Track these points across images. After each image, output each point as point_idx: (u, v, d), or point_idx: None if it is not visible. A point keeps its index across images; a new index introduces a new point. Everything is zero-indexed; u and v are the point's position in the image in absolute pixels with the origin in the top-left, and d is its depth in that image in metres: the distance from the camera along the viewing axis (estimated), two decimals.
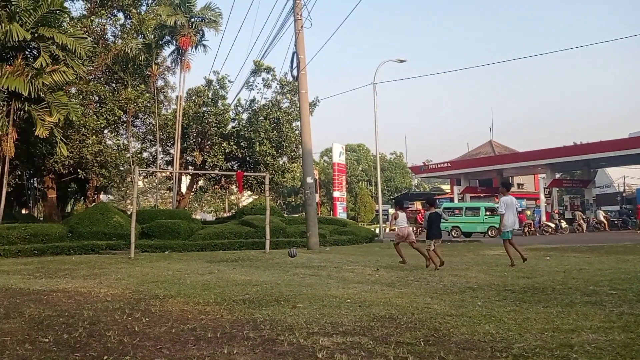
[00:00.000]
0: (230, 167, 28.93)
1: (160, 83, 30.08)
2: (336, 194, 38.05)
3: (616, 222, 34.71)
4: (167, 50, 28.35)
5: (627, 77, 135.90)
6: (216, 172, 27.80)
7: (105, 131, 25.30)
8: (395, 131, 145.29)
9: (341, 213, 37.13)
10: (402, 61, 29.65)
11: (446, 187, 62.75)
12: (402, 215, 11.92)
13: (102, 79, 25.83)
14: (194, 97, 28.78)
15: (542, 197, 39.74)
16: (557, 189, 42.80)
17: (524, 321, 5.12)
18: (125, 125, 27.03)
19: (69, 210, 35.42)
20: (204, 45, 27.88)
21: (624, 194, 48.37)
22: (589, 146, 37.44)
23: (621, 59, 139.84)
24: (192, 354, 4.12)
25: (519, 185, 54.66)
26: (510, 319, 5.26)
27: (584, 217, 33.82)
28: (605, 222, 32.80)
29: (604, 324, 4.88)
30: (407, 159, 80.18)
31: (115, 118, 24.08)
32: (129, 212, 23.98)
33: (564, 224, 31.72)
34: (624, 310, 5.53)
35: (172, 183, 29.79)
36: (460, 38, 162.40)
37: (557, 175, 42.61)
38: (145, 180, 46.52)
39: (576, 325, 4.85)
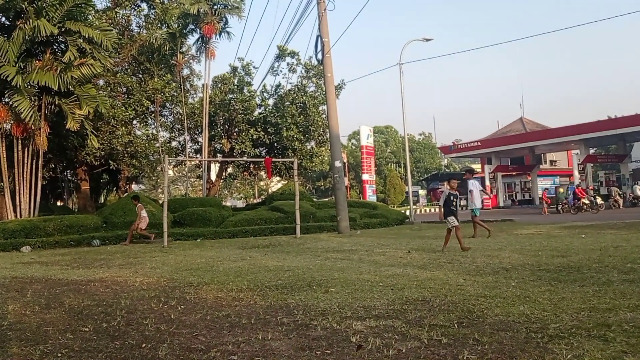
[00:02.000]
0: (258, 153, 29.10)
1: (185, 72, 30.31)
2: (365, 176, 37.97)
3: None
4: (191, 39, 28.55)
5: None
6: (244, 158, 28.01)
7: (134, 122, 25.64)
8: (423, 112, 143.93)
9: (371, 196, 37.08)
10: (428, 40, 29.17)
11: (477, 167, 61.93)
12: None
13: (128, 70, 26.14)
14: (219, 85, 28.91)
15: (576, 173, 38.95)
16: (592, 164, 41.86)
17: (560, 301, 5.04)
18: (153, 115, 27.37)
19: (102, 201, 36.19)
20: (228, 32, 27.96)
21: None
22: (623, 120, 36.45)
23: None
24: (228, 340, 4.18)
25: (551, 162, 53.67)
26: (545, 299, 5.18)
27: (620, 192, 33.02)
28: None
29: None
30: (436, 139, 79.46)
31: (143, 108, 24.38)
32: (160, 201, 24.36)
33: (599, 201, 31.03)
34: None
35: (202, 171, 30.12)
36: (488, 15, 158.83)
37: (591, 151, 41.67)
38: (175, 169, 47.11)
39: (613, 304, 4.75)
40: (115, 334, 4.54)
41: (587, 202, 29.38)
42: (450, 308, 4.99)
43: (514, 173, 48.93)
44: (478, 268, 7.69)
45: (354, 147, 65.92)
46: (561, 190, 31.78)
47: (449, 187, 11.05)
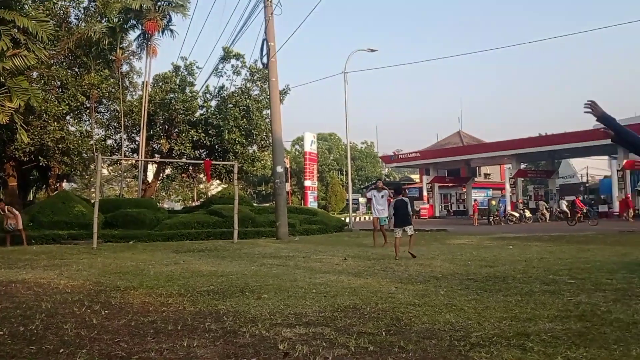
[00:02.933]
0: (198, 155, 28.59)
1: (125, 68, 29.45)
2: (307, 183, 38.09)
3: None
4: (132, 35, 27.76)
5: (595, 68, 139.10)
6: (183, 160, 27.46)
7: (68, 117, 24.63)
8: (366, 121, 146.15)
9: (312, 202, 37.21)
10: (372, 50, 29.70)
11: (415, 177, 63.38)
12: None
13: (64, 63, 25.13)
14: (160, 84, 28.24)
15: (508, 187, 40.53)
16: (522, 179, 43.69)
17: (484, 310, 5.20)
18: (88, 111, 26.40)
19: (31, 199, 34.49)
20: (171, 30, 27.42)
21: (587, 184, 49.67)
22: (553, 137, 38.31)
23: (591, 52, 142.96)
24: (151, 347, 4.05)
25: (485, 175, 55.63)
26: (471, 307, 5.33)
27: (547, 206, 34.62)
28: (568, 212, 33.64)
29: (561, 313, 4.98)
30: (378, 148, 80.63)
31: (78, 104, 23.48)
32: (92, 201, 23.51)
33: (527, 214, 32.44)
34: (581, 300, 5.66)
35: (138, 171, 29.27)
36: (432, 29, 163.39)
37: (522, 166, 43.48)
38: (110, 168, 45.68)
39: (534, 314, 4.94)
40: (33, 339, 4.32)
41: (516, 214, 30.64)
42: (380, 316, 5.05)
43: (450, 184, 50.38)
44: (410, 276, 7.84)
45: (297, 152, 65.98)
46: (493, 202, 32.99)
47: (399, 196, 11.44)
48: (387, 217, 13.53)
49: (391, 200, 11.86)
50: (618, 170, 34.42)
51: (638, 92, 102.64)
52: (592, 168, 53.52)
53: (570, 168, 56.54)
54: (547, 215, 32.77)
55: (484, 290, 6.43)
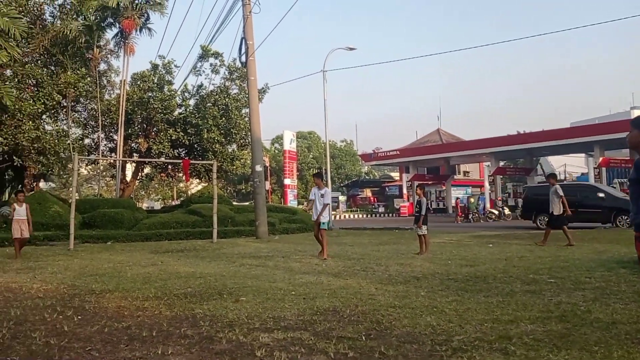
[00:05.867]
0: (177, 154, 28.28)
1: (102, 67, 28.98)
2: (287, 181, 37.94)
3: None
4: (109, 33, 27.26)
5: (571, 67, 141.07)
6: (162, 159, 27.13)
7: (44, 116, 24.08)
8: (346, 119, 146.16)
9: (292, 200, 37.07)
10: (351, 49, 29.60)
11: (395, 175, 63.58)
12: None
13: (39, 61, 24.58)
14: (138, 82, 27.86)
15: (487, 184, 40.89)
16: (501, 176, 44.09)
17: (465, 312, 5.15)
18: (65, 110, 25.90)
19: (6, 199, 33.75)
20: (149, 29, 26.99)
21: (565, 182, 50.33)
22: (531, 135, 38.74)
23: (564, 50, 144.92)
24: (124, 356, 3.91)
25: (464, 173, 56.06)
26: (452, 309, 5.28)
27: None
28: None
29: (542, 314, 4.95)
30: (358, 146, 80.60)
31: (54, 103, 22.97)
32: (70, 201, 23.07)
33: (507, 211, 32.73)
34: (562, 300, 5.65)
35: (116, 171, 28.82)
36: (413, 27, 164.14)
37: (501, 164, 43.88)
38: (89, 167, 45.00)
39: (515, 316, 4.91)
40: None
41: (495, 212, 30.87)
42: (360, 319, 4.97)
43: (429, 182, 50.69)
44: (390, 277, 7.77)
45: (277, 151, 65.69)
46: (472, 200, 33.23)
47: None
48: (328, 222, 11.78)
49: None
50: (595, 168, 34.90)
51: (623, 88, 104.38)
52: (570, 165, 54.33)
53: (548, 165, 57.27)
54: None
55: (464, 290, 6.39)
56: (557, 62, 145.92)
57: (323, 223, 11.04)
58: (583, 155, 47.73)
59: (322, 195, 11.02)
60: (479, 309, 5.28)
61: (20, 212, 12.06)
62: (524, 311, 5.12)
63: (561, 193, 12.77)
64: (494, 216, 31.55)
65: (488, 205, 34.82)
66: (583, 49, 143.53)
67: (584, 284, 6.70)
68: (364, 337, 4.28)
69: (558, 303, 5.47)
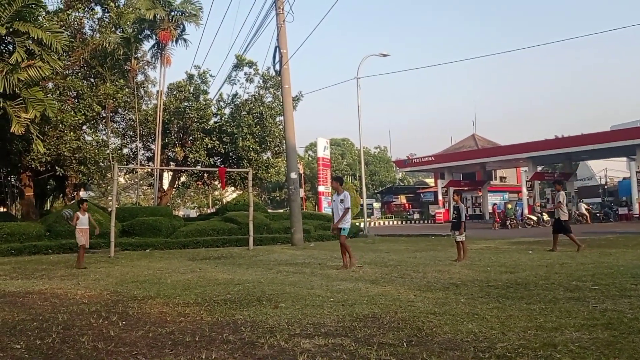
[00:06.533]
0: (212, 162, 28.68)
1: (140, 78, 29.64)
2: (321, 188, 37.98)
3: (598, 214, 35.08)
4: (146, 45, 27.97)
5: (610, 70, 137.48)
6: (198, 168, 27.57)
7: (84, 127, 24.81)
8: (379, 125, 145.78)
9: (326, 208, 37.01)
10: (385, 55, 29.56)
11: (430, 181, 63.02)
12: None
13: (79, 74, 25.33)
14: (175, 92, 28.41)
15: (524, 190, 40.12)
16: (539, 182, 43.21)
17: (507, 319, 5.07)
18: (104, 121, 26.60)
19: (48, 208, 34.82)
20: (185, 40, 27.57)
21: (606, 187, 48.99)
22: (570, 139, 37.87)
23: (604, 52, 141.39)
24: None
25: (501, 178, 55.15)
26: (494, 316, 5.20)
27: (587, 207, 34.25)
28: (587, 214, 33.14)
29: (588, 322, 4.84)
30: (392, 153, 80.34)
31: (94, 114, 23.64)
32: (109, 209, 23.63)
33: (545, 217, 32.00)
34: (607, 307, 5.50)
35: (154, 179, 29.42)
36: (446, 33, 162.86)
37: (539, 169, 43.01)
38: (127, 176, 46.01)
39: (559, 323, 4.81)
40: (49, 352, 4.29)
41: (534, 218, 30.21)
42: (400, 325, 4.95)
43: (465, 188, 50.05)
44: (429, 283, 7.71)
45: (310, 158, 65.91)
46: (509, 206, 32.64)
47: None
48: (348, 228, 10.69)
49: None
50: (637, 172, 33.88)
51: None
52: (611, 170, 52.82)
53: (588, 170, 55.82)
54: (588, 216, 32.44)
55: (505, 297, 6.29)
56: (595, 61, 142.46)
57: (343, 229, 10.45)
58: (625, 159, 46.35)
59: (342, 200, 10.45)
60: (521, 316, 5.19)
61: (84, 221, 12.16)
62: (568, 318, 5.01)
63: (560, 199, 13.13)
64: (532, 222, 30.88)
65: (526, 211, 34.11)
66: (623, 48, 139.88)
67: (629, 290, 6.50)
68: (405, 344, 4.26)
69: (603, 310, 5.33)
